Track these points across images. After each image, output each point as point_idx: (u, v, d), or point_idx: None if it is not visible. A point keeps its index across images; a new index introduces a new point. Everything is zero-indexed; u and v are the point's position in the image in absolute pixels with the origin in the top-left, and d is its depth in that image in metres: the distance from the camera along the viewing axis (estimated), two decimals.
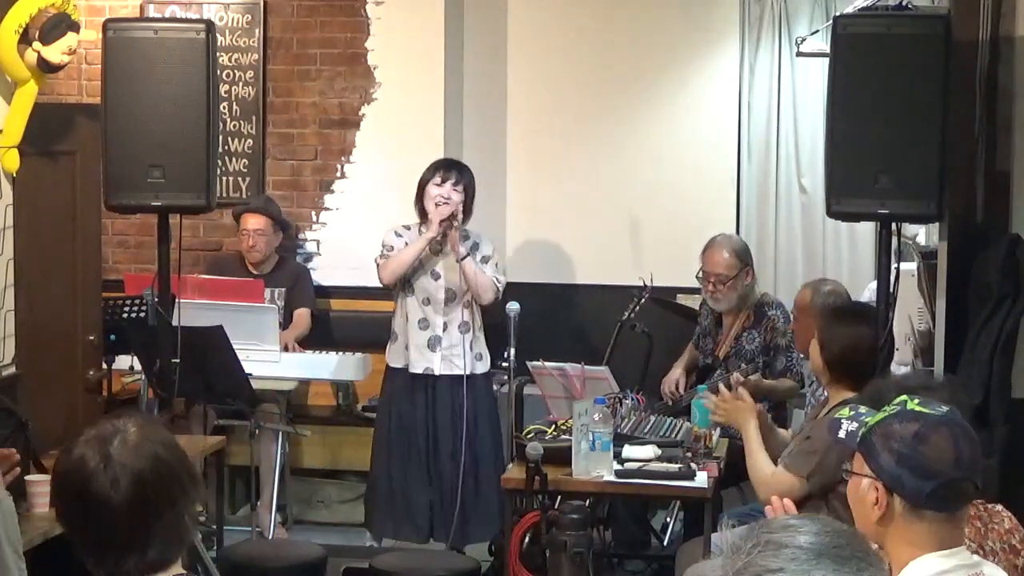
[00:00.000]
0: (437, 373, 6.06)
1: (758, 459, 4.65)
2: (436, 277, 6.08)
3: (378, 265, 6.09)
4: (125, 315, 6.09)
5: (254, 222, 6.91)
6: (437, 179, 6.01)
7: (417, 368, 6.08)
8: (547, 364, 5.98)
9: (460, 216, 5.99)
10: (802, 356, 5.87)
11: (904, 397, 2.57)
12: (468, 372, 6.07)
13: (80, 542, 2.24)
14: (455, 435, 6.05)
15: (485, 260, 6.09)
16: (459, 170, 6.08)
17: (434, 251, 6.07)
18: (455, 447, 6.05)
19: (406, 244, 6.05)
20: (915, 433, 2.46)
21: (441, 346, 6.07)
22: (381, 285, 6.19)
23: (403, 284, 6.09)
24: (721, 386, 5.06)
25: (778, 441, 4.87)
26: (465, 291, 6.07)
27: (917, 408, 2.52)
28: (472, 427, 6.08)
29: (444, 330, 6.07)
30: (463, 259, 5.98)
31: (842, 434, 2.59)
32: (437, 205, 5.95)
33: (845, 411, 2.62)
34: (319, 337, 6.97)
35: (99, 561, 2.23)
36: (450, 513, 6.05)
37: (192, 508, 2.29)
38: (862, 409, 2.62)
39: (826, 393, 4.77)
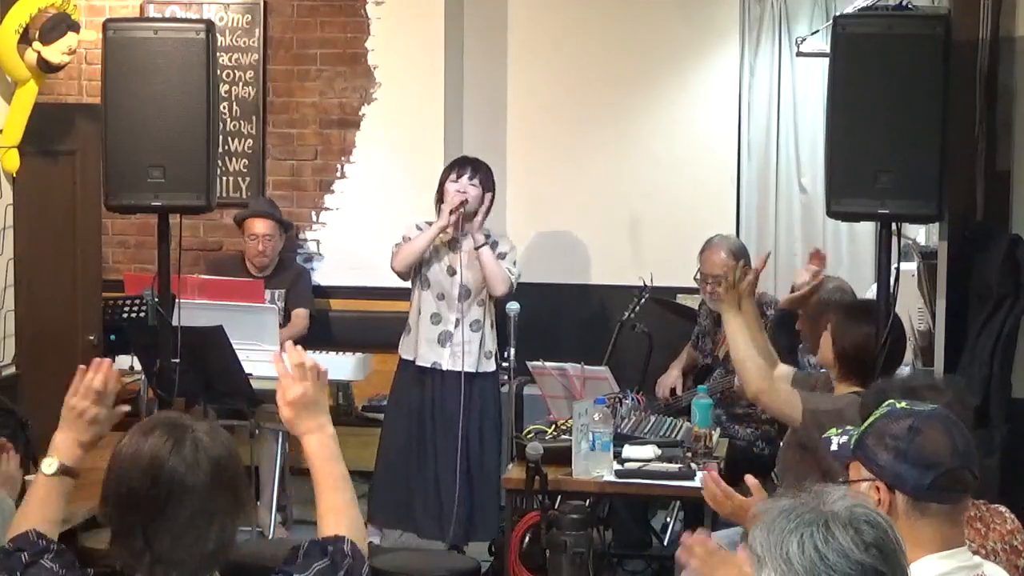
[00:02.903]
0: (444, 368, 6.07)
1: (744, 347, 4.45)
2: (452, 273, 6.10)
3: (392, 253, 6.14)
4: (125, 315, 6.09)
5: (262, 227, 6.90)
6: (453, 176, 6.09)
7: (425, 362, 6.10)
8: (547, 364, 5.98)
9: (481, 207, 6.02)
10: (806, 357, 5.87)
11: (891, 400, 2.63)
12: (476, 370, 6.09)
13: (131, 527, 2.22)
14: (457, 432, 6.06)
15: (502, 256, 6.12)
16: (474, 165, 6.14)
17: (452, 247, 6.10)
18: (458, 444, 6.06)
19: None
20: (909, 427, 2.50)
21: (451, 342, 6.08)
22: (393, 272, 6.19)
23: (419, 278, 6.11)
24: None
25: (764, 346, 4.72)
26: (480, 288, 6.09)
27: (906, 406, 2.58)
28: (476, 425, 6.09)
29: (456, 326, 6.08)
30: (480, 246, 6.02)
31: (834, 447, 2.63)
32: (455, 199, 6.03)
33: (833, 430, 2.68)
34: (319, 337, 6.96)
35: (148, 545, 2.21)
36: (449, 511, 6.06)
37: (239, 521, 2.31)
38: (849, 427, 2.67)
39: (834, 387, 4.78)
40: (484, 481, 6.10)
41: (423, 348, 6.10)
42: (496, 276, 6.05)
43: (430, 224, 6.13)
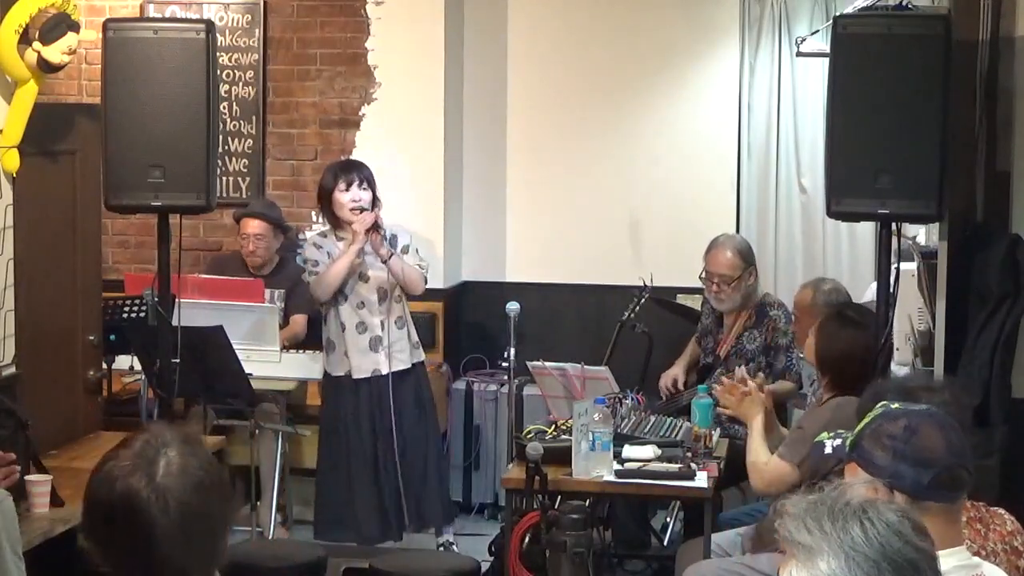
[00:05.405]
0: (384, 372, 6.06)
1: (756, 448, 4.68)
2: (366, 280, 6.09)
3: (309, 284, 6.11)
4: (125, 315, 6.09)
5: (253, 227, 6.91)
6: (342, 186, 6.04)
7: (363, 372, 6.07)
8: (547, 364, 5.99)
9: (378, 217, 6.02)
10: (802, 357, 5.88)
11: (884, 401, 2.66)
12: (412, 363, 6.14)
13: (115, 564, 2.21)
14: (401, 428, 6.06)
15: (405, 250, 6.14)
16: (357, 169, 6.13)
17: (356, 255, 6.08)
18: (403, 441, 6.06)
19: (328, 255, 6.06)
20: (905, 427, 2.52)
21: (383, 345, 6.07)
22: (316, 303, 6.20)
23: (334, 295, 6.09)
24: (724, 379, 5.07)
25: (779, 437, 4.88)
26: (395, 286, 6.10)
27: (899, 407, 2.61)
28: (418, 416, 6.13)
29: (383, 329, 6.08)
30: (388, 259, 6.01)
31: (828, 450, 2.64)
32: (352, 211, 5.99)
33: (824, 434, 2.69)
34: (319, 337, 6.96)
35: (133, 563, 2.20)
36: (400, 507, 6.07)
37: (229, 528, 2.27)
38: (840, 430, 2.68)
39: (821, 389, 4.81)
40: (433, 466, 6.16)
41: (356, 359, 6.07)
42: (412, 279, 6.08)
43: (324, 236, 6.13)
